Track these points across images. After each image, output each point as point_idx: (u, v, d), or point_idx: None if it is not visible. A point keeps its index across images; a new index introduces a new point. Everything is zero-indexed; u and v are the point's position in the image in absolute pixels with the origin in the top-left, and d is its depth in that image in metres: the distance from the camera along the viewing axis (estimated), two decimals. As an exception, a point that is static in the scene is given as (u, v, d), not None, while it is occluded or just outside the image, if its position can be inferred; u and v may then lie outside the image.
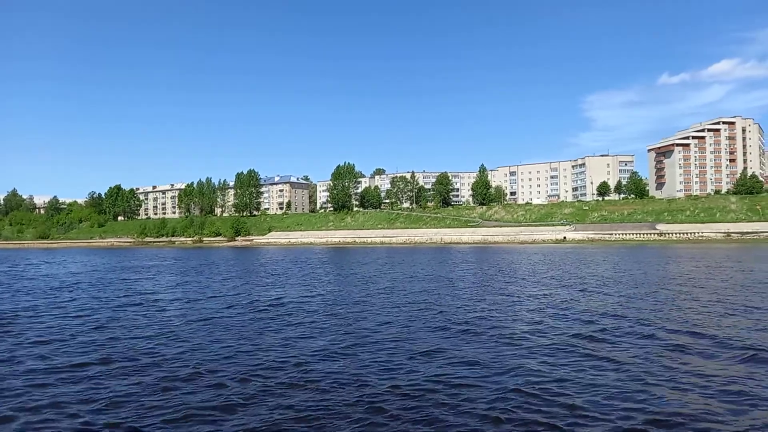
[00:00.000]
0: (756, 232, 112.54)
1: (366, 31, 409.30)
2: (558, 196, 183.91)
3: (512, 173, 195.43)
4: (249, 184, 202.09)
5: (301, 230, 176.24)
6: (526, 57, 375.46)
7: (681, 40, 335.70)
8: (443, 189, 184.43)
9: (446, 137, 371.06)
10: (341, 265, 57.55)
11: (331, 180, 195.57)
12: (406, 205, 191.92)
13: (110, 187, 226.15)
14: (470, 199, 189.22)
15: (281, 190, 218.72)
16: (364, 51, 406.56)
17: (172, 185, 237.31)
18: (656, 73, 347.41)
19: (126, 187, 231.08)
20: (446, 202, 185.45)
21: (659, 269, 43.48)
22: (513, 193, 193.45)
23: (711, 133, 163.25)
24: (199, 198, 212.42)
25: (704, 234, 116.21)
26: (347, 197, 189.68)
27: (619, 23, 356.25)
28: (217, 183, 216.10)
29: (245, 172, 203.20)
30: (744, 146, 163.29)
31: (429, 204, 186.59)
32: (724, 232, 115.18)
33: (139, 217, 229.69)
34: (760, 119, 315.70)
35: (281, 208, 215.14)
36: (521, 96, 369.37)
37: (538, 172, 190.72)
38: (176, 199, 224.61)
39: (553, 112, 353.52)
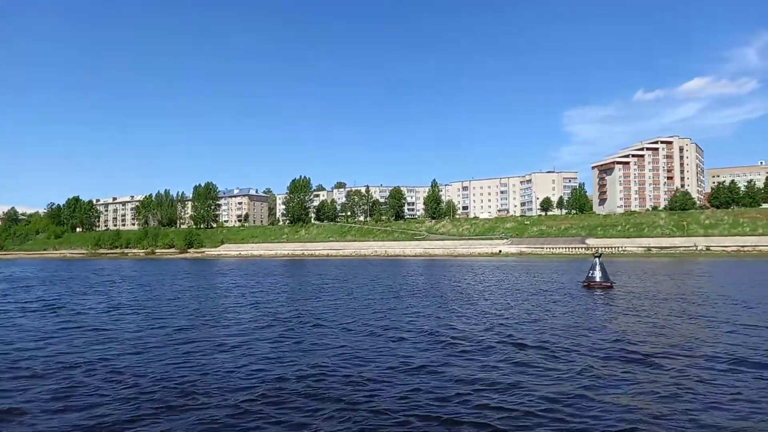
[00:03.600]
0: (674, 247, 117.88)
1: (332, 42, 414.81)
2: (507, 210, 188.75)
3: (465, 188, 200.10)
4: (207, 196, 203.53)
5: (255, 243, 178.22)
6: (506, 70, 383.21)
7: (656, 57, 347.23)
8: (396, 203, 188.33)
9: (428, 150, 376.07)
10: (254, 277, 60.26)
11: (287, 193, 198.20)
12: (361, 218, 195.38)
13: (68, 199, 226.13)
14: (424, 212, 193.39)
15: (240, 203, 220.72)
16: (339, 62, 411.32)
17: (132, 197, 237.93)
18: (632, 89, 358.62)
19: (88, 198, 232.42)
20: (399, 216, 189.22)
21: (535, 278, 47.14)
22: (465, 208, 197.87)
23: (650, 152, 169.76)
24: (157, 210, 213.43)
25: (627, 248, 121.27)
26: (303, 210, 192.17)
27: (596, 39, 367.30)
28: (175, 195, 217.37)
29: (203, 185, 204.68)
30: (681, 165, 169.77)
31: (383, 217, 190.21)
32: (645, 247, 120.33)
33: (99, 229, 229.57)
34: (731, 137, 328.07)
35: (240, 221, 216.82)
36: (500, 109, 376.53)
37: (489, 187, 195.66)
38: (135, 211, 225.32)
39: (533, 126, 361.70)
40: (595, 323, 19.83)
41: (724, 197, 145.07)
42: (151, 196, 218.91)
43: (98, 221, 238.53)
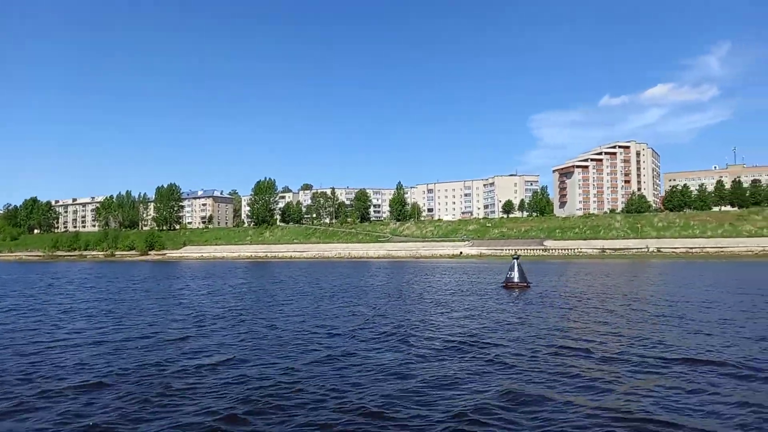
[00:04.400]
0: (627, 249, 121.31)
1: (297, 43, 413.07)
2: (471, 213, 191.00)
3: (430, 191, 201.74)
4: (169, 197, 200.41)
5: (218, 244, 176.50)
6: (474, 74, 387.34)
7: (622, 63, 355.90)
8: (361, 205, 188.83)
9: (397, 153, 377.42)
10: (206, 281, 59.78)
11: (251, 195, 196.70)
12: (326, 220, 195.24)
13: (26, 200, 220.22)
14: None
15: (204, 204, 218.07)
16: (311, 63, 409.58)
17: (93, 198, 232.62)
18: (599, 94, 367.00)
19: (47, 199, 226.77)
20: (364, 218, 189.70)
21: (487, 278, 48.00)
22: (430, 210, 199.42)
23: (608, 156, 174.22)
24: (118, 211, 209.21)
25: (582, 250, 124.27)
26: (268, 212, 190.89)
27: (563, 45, 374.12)
28: (137, 196, 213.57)
29: (165, 186, 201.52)
30: (638, 169, 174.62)
31: (348, 219, 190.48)
32: (600, 249, 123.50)
33: (58, 231, 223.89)
34: (692, 142, 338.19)
35: (204, 223, 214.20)
36: (470, 112, 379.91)
37: (453, 190, 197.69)
38: (96, 213, 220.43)
39: (502, 130, 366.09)
40: (504, 319, 20.65)
41: (677, 201, 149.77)
42: (112, 197, 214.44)
43: (57, 223, 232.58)
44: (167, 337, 17.38)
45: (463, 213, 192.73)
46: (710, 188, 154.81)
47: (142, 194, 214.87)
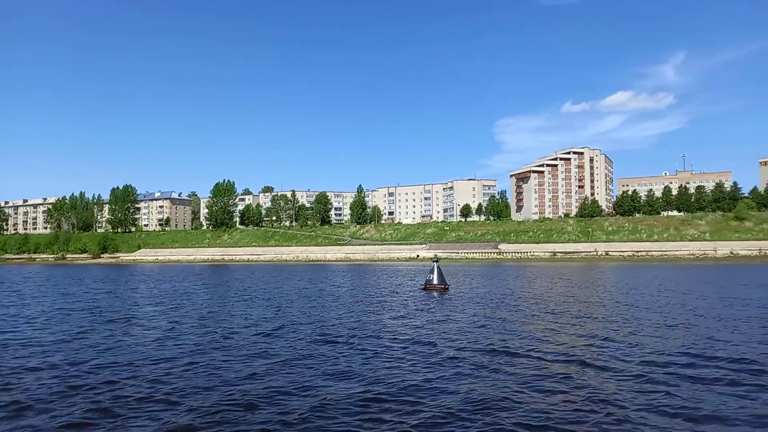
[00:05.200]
0: (577, 252, 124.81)
1: (255, 41, 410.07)
2: (431, 216, 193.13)
3: (391, 194, 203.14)
4: (125, 199, 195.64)
5: (175, 247, 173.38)
6: (439, 78, 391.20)
7: (583, 71, 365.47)
8: (322, 208, 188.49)
9: (355, 156, 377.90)
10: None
11: (210, 197, 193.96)
12: (287, 223, 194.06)
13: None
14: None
15: (161, 206, 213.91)
16: (271, 65, 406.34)
17: (45, 199, 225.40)
18: (561, 101, 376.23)
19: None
20: (325, 221, 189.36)
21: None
22: (391, 213, 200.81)
23: (563, 162, 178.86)
24: (71, 213, 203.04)
25: (535, 253, 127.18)
26: (227, 214, 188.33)
27: (527, 51, 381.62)
28: (91, 198, 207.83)
29: (120, 187, 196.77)
30: (592, 174, 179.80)
31: (308, 222, 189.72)
32: (552, 252, 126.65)
33: (7, 233, 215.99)
34: (650, 148, 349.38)
35: (161, 225, 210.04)
36: (433, 117, 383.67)
37: (414, 193, 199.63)
38: (48, 215, 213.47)
39: (467, 134, 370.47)
40: (418, 318, 21.42)
41: (628, 205, 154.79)
42: (65, 198, 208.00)
43: (6, 225, 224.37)
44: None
45: (423, 216, 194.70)
46: (658, 194, 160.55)
47: (96, 196, 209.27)
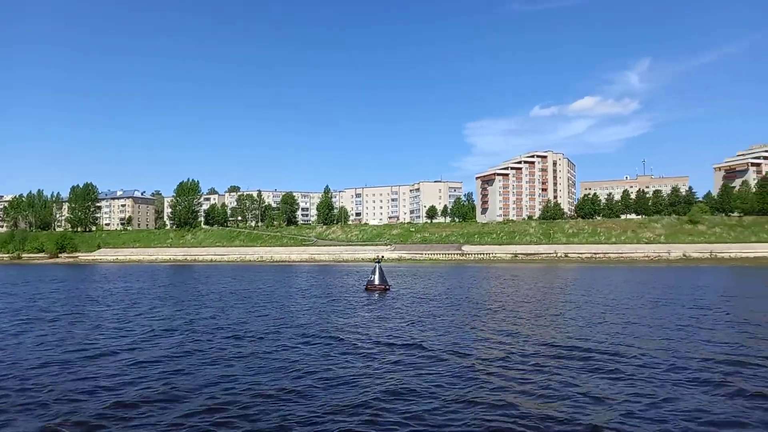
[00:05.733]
0: (537, 254, 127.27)
1: (224, 40, 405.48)
2: (397, 217, 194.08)
3: (358, 195, 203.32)
4: (85, 197, 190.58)
5: (136, 247, 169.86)
6: (410, 80, 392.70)
7: (552, 75, 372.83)
8: (288, 208, 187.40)
9: (325, 158, 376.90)
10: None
11: (173, 196, 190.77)
12: (252, 223, 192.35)
13: None
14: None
15: (123, 205, 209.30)
16: (239, 63, 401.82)
17: (1, 197, 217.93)
18: (531, 105, 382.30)
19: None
20: (291, 221, 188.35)
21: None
22: (358, 214, 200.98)
23: (527, 165, 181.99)
24: (29, 211, 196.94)
25: (497, 255, 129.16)
26: (191, 214, 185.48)
27: (497, 55, 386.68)
28: (50, 196, 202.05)
29: (81, 186, 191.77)
30: (555, 178, 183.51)
31: (274, 222, 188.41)
32: (513, 254, 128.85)
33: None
34: (615, 152, 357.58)
35: (122, 224, 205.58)
36: (402, 118, 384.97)
37: (381, 194, 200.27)
38: (3, 213, 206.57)
39: (439, 136, 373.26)
40: (345, 317, 21.74)
41: (588, 208, 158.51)
42: (22, 196, 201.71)
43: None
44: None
45: (390, 218, 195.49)
46: (618, 197, 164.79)
47: (55, 194, 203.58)
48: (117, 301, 30.67)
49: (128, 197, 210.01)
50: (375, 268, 36.68)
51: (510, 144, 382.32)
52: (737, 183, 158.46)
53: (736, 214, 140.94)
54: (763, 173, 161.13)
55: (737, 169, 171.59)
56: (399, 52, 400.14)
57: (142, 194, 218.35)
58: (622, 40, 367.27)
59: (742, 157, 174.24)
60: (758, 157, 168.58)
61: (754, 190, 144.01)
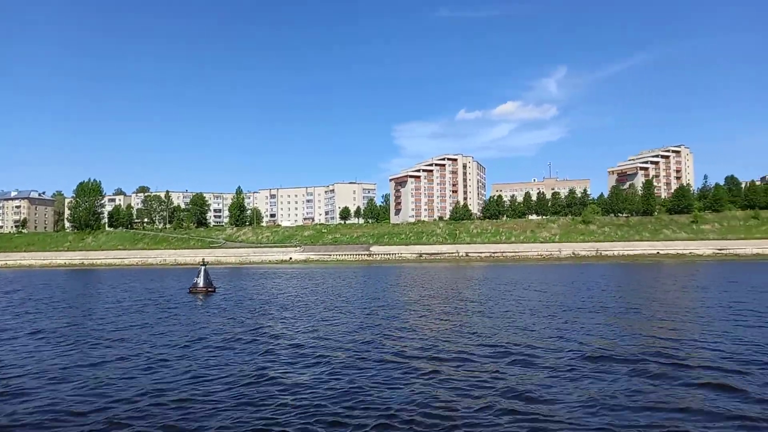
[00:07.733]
0: (440, 253, 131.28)
1: (147, 38, 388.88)
2: (313, 218, 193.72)
3: (272, 196, 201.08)
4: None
5: (29, 251, 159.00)
6: (338, 81, 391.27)
7: (475, 80, 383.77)
8: (198, 209, 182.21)
9: (235, 158, 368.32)
10: None
11: (73, 197, 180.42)
12: (160, 225, 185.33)
13: None
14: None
15: (18, 207, 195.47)
16: (158, 61, 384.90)
17: None
18: (456, 109, 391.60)
19: None
20: (201, 223, 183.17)
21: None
22: (273, 215, 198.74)
23: (438, 168, 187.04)
24: None
25: (403, 255, 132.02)
26: (92, 216, 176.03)
27: (422, 58, 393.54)
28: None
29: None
30: (465, 180, 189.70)
31: (183, 224, 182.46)
32: (418, 253, 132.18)
33: None
34: (536, 156, 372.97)
35: (17, 227, 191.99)
36: (330, 119, 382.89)
37: (296, 196, 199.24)
38: None
39: (367, 138, 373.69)
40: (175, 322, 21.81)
41: (494, 210, 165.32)
42: None
43: None
44: None
45: (305, 219, 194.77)
46: (519, 199, 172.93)
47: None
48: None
49: (23, 198, 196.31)
50: (200, 271, 36.79)
51: (436, 147, 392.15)
52: (628, 185, 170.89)
53: (624, 214, 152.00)
54: (650, 177, 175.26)
55: (628, 173, 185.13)
56: (330, 54, 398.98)
57: (40, 195, 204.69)
58: (541, 49, 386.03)
59: (632, 162, 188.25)
60: (646, 162, 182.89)
61: (640, 192, 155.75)
